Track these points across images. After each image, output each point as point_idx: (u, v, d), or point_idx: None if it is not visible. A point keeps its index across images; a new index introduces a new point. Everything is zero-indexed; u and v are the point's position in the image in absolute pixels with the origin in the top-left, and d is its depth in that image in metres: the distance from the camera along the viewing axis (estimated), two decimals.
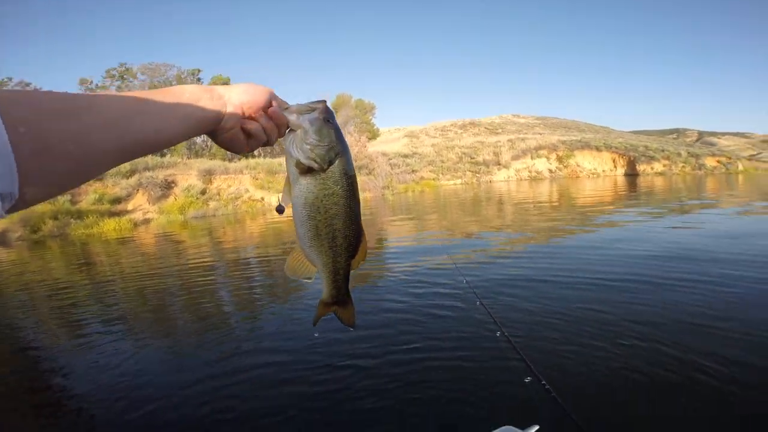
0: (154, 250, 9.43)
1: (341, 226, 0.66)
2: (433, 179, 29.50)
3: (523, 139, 41.15)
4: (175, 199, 18.47)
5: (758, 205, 10.60)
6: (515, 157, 35.07)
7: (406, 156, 33.95)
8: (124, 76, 42.09)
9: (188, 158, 38.17)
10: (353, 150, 29.45)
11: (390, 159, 30.83)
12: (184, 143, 43.29)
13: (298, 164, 0.63)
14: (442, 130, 61.57)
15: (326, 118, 0.64)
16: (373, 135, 52.23)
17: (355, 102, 53.98)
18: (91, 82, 39.87)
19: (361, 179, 23.94)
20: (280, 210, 0.66)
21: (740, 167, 42.10)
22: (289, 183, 0.66)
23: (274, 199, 19.86)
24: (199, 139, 47.45)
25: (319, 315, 0.73)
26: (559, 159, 35.71)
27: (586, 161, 36.84)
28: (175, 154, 39.58)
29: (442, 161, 33.72)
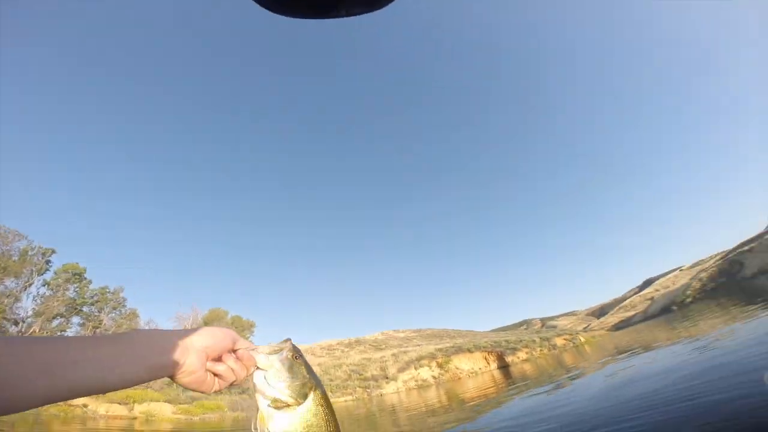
0: None
1: None
2: None
3: (405, 352, 43.11)
4: None
5: (613, 364, 11.97)
6: (401, 369, 36.25)
7: None
8: None
9: None
10: None
11: None
12: None
13: (275, 401, 0.64)
14: (328, 349, 60.66)
15: (295, 355, 0.68)
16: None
17: (232, 319, 49.33)
18: None
19: (232, 398, 22.20)
20: None
21: (582, 339, 49.30)
22: (263, 419, 0.65)
23: (102, 408, 16.13)
24: (14, 329, 33.53)
25: None
26: (440, 365, 37.24)
27: (463, 363, 38.56)
28: None
29: (331, 379, 34.05)
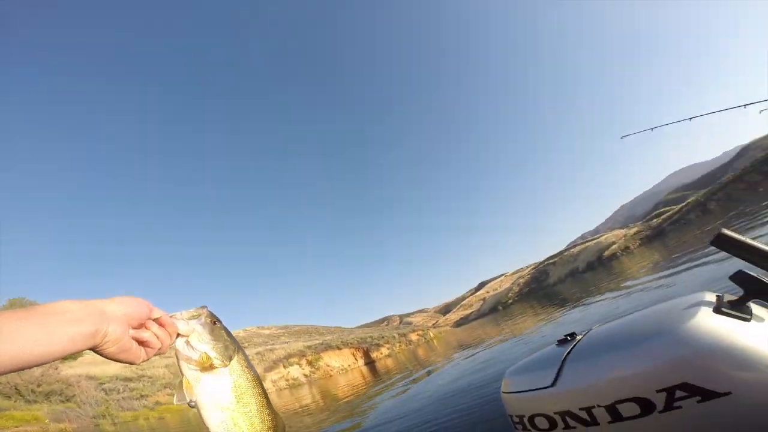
0: None
1: (256, 412, 0.69)
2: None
3: (272, 350, 41.89)
4: None
5: (456, 356, 14.08)
6: (268, 369, 35.43)
7: (129, 379, 28.38)
8: None
9: None
10: (34, 372, 22.24)
11: (102, 384, 25.29)
12: None
13: (201, 362, 0.67)
14: None
15: (213, 320, 0.71)
16: (71, 355, 39.34)
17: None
18: None
19: (53, 408, 19.01)
20: (192, 405, 0.67)
21: (431, 335, 57.56)
22: (189, 385, 0.67)
23: None
24: None
25: None
26: (310, 363, 38.16)
27: (333, 360, 40.59)
28: None
29: None
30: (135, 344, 0.63)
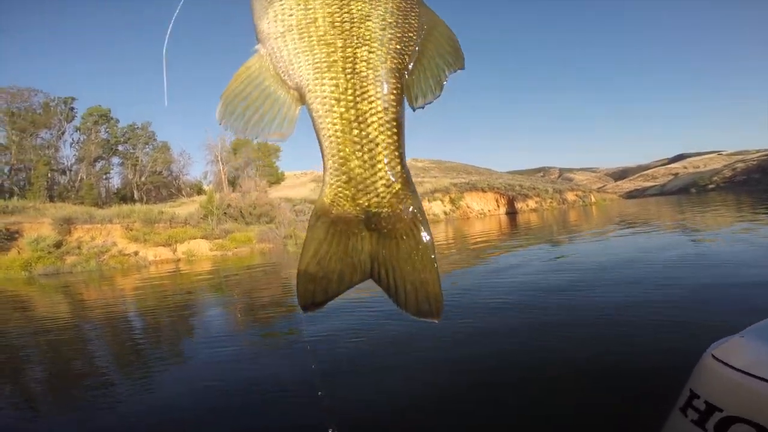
0: None
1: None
2: None
3: (420, 183, 44.43)
4: (19, 253, 16.16)
5: (611, 234, 12.30)
6: None
7: (314, 202, 34.66)
8: None
9: (44, 202, 32.28)
10: (251, 196, 28.50)
11: (295, 205, 30.02)
12: (43, 182, 37.46)
13: None
14: None
15: None
16: (277, 179, 50.65)
17: (258, 144, 52.23)
18: None
19: (259, 228, 22.63)
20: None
21: (592, 199, 51.32)
22: None
23: (150, 254, 18.17)
24: (64, 178, 41.59)
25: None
26: (452, 201, 39.12)
27: (474, 202, 40.84)
28: (29, 196, 33.28)
29: None
30: None
